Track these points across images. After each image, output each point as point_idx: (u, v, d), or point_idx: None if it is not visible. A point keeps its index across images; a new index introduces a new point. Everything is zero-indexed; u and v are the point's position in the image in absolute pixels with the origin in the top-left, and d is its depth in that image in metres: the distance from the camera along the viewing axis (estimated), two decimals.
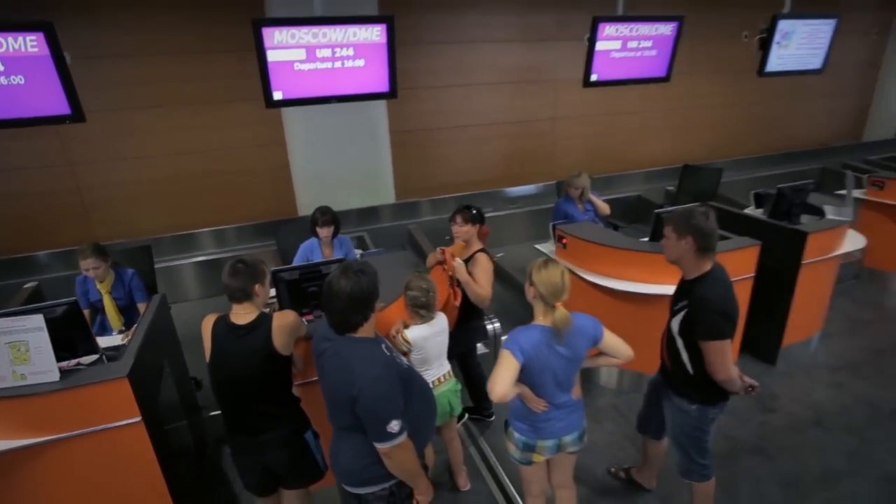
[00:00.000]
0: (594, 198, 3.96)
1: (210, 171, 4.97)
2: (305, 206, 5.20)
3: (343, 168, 5.24)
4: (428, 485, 1.84)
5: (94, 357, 2.36)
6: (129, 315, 3.07)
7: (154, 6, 4.31)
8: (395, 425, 1.62)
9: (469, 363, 3.10)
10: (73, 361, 2.27)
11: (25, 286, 3.58)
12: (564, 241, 3.42)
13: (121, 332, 2.96)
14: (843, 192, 3.90)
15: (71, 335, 2.28)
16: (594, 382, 3.68)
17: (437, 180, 5.86)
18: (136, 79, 4.47)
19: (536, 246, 3.74)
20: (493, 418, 3.27)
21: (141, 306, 3.05)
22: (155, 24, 4.36)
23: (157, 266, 3.80)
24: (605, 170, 6.61)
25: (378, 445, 1.65)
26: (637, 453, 2.94)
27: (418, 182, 5.76)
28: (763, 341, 3.74)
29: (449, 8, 5.28)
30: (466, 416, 3.18)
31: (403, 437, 1.66)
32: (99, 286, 2.93)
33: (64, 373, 2.07)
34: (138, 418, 2.12)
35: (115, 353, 2.51)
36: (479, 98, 5.76)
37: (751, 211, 4.23)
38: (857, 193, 4.81)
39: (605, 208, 3.96)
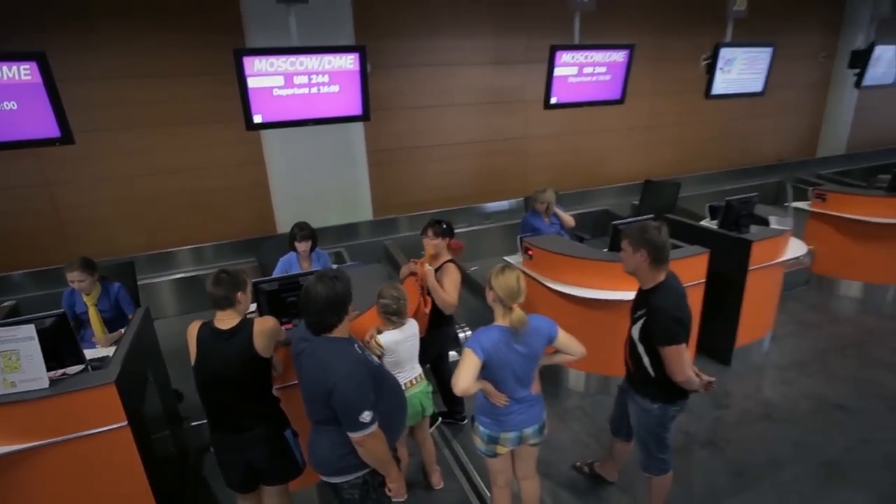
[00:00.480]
0: (559, 211, 4.25)
1: (191, 189, 5.13)
2: (284, 223, 5.38)
3: (321, 186, 5.46)
4: (399, 473, 2.03)
5: (80, 367, 2.50)
6: (113, 327, 3.19)
7: (136, 30, 4.51)
8: (366, 416, 1.82)
9: (441, 369, 3.30)
10: (59, 371, 2.40)
11: (3, 304, 3.67)
12: (530, 252, 3.69)
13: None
14: (788, 203, 4.28)
15: (58, 346, 2.40)
16: (563, 385, 3.92)
17: (414, 197, 6.12)
18: (117, 100, 4.65)
19: (506, 258, 3.99)
20: (465, 421, 3.46)
21: (131, 318, 3.18)
22: (135, 48, 4.56)
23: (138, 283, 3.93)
24: (575, 185, 6.97)
25: (352, 435, 1.84)
26: (601, 450, 3.16)
27: (395, 199, 6.01)
28: (718, 343, 4.04)
29: (423, 33, 5.62)
30: (440, 420, 3.37)
31: (375, 427, 1.86)
32: (85, 298, 3.07)
33: (52, 381, 2.21)
34: (125, 423, 2.26)
35: (99, 363, 2.65)
36: (453, 118, 6.08)
37: (706, 222, 4.58)
38: (803, 205, 5.24)
39: (569, 221, 4.26)
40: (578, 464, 3.10)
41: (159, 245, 5.11)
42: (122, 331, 3.07)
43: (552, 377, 3.94)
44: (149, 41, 4.56)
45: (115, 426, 2.25)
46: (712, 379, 2.38)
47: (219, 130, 5.03)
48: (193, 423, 3.27)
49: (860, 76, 5.34)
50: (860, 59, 5.26)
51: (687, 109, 7.41)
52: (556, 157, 6.83)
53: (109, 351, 2.88)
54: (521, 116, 6.42)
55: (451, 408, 3.44)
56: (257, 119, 3.20)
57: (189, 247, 5.20)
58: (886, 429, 3.32)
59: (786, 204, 3.96)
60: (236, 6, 4.52)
